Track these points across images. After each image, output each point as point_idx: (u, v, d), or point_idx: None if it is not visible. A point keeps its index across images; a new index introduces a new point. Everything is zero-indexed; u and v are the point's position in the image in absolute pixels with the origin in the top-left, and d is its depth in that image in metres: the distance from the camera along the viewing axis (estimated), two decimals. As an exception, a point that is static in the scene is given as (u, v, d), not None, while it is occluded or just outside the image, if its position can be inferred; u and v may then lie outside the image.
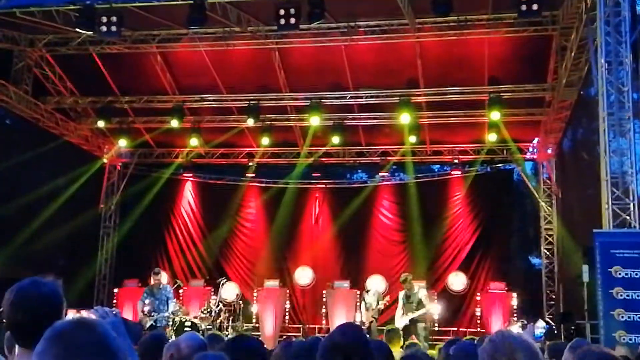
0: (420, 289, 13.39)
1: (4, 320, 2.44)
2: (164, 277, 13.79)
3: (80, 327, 1.73)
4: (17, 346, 2.44)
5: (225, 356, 3.17)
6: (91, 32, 12.52)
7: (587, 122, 13.70)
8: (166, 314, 12.59)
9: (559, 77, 13.74)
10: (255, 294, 17.40)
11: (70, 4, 12.36)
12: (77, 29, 12.55)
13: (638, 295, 8.68)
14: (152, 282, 13.16)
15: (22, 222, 15.24)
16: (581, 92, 13.61)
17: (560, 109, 14.84)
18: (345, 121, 16.82)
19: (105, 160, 19.29)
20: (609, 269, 8.84)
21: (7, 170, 14.68)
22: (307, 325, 17.66)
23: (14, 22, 13.33)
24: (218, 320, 14.73)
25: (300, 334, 16.53)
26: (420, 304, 12.89)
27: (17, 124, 16.21)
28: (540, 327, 14.25)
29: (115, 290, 17.73)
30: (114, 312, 2.87)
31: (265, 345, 4.46)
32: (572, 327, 12.20)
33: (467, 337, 9.46)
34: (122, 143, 17.95)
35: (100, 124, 16.98)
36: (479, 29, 13.40)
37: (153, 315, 12.42)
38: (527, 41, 13.84)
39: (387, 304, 14.07)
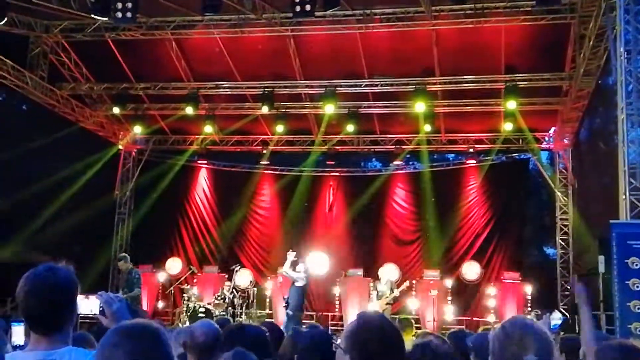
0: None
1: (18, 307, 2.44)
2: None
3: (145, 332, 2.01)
4: (31, 332, 2.45)
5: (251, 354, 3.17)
6: (106, 18, 12.52)
7: (605, 111, 13.58)
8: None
9: (577, 66, 13.59)
10: (268, 281, 17.42)
11: (86, -10, 12.37)
12: (92, 15, 12.55)
13: (654, 287, 8.59)
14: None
15: (38, 208, 15.35)
16: (599, 82, 13.46)
17: (577, 98, 14.69)
18: (360, 109, 16.76)
19: (120, 147, 19.37)
20: (626, 260, 8.75)
21: (24, 156, 14.77)
22: (320, 313, 17.70)
23: (30, 8, 13.36)
24: (232, 307, 14.80)
25: (313, 322, 16.57)
26: None
27: (33, 110, 16.31)
28: (556, 318, 14.14)
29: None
30: (118, 298, 2.87)
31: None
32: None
33: (482, 327, 9.42)
34: (137, 130, 18.01)
35: (116, 110, 17.06)
36: (496, 17, 13.26)
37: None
38: (545, 29, 13.67)
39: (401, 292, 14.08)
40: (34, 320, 2.41)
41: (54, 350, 2.39)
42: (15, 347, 3.23)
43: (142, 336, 1.95)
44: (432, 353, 2.72)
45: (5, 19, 12.37)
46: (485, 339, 4.19)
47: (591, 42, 11.99)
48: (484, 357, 3.97)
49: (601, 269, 10.32)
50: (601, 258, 10.31)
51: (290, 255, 13.36)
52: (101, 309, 2.84)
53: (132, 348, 1.92)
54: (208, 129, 17.54)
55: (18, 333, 3.28)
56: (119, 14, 11.95)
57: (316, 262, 17.93)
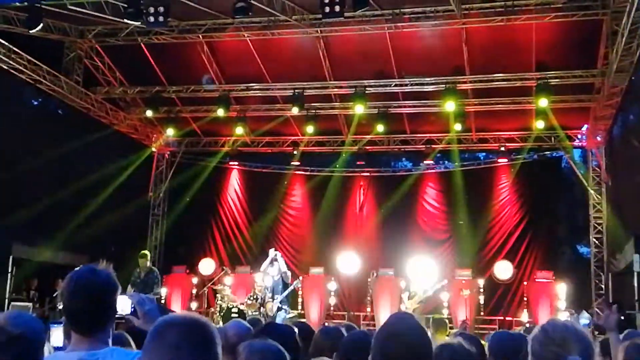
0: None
1: (60, 307, 2.54)
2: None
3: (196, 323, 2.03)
4: (72, 332, 2.53)
5: (272, 342, 3.22)
6: (139, 23, 12.71)
7: (639, 108, 13.38)
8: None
9: (610, 63, 13.41)
10: (300, 281, 17.49)
11: (119, -4, 12.58)
12: (125, 20, 12.75)
13: (690, 286, 8.48)
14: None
15: (74, 210, 15.62)
16: (632, 78, 13.27)
17: (610, 95, 14.47)
18: (389, 109, 16.75)
19: (153, 149, 19.65)
20: (661, 259, 8.65)
21: (60, 159, 15.04)
22: (352, 313, 17.73)
23: (64, 14, 13.59)
24: (264, 307, 14.89)
25: (345, 321, 16.60)
26: None
27: (68, 113, 16.62)
28: (584, 317, 14.03)
29: (163, 276, 18.03)
30: (150, 299, 2.95)
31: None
32: (622, 318, 11.99)
33: (517, 328, 9.39)
34: (170, 132, 18.25)
35: (149, 113, 17.29)
36: (527, 14, 13.16)
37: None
38: (576, 26, 13.53)
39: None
40: (77, 320, 2.48)
41: (96, 350, 2.46)
42: (54, 349, 3.29)
43: (199, 332, 1.99)
44: (449, 355, 2.74)
45: (41, 25, 12.62)
46: (501, 340, 4.20)
47: (624, 38, 11.81)
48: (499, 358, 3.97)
49: (636, 267, 10.23)
50: (636, 257, 10.21)
51: (272, 254, 14.11)
52: (133, 309, 2.92)
53: (185, 342, 1.96)
54: (239, 130, 17.70)
55: (57, 335, 3.33)
56: (151, 19, 12.12)
57: (347, 262, 18.01)
